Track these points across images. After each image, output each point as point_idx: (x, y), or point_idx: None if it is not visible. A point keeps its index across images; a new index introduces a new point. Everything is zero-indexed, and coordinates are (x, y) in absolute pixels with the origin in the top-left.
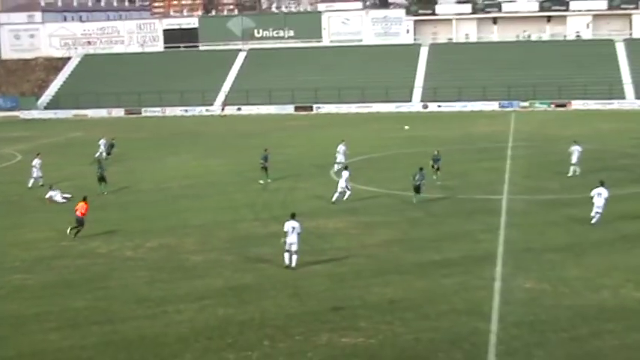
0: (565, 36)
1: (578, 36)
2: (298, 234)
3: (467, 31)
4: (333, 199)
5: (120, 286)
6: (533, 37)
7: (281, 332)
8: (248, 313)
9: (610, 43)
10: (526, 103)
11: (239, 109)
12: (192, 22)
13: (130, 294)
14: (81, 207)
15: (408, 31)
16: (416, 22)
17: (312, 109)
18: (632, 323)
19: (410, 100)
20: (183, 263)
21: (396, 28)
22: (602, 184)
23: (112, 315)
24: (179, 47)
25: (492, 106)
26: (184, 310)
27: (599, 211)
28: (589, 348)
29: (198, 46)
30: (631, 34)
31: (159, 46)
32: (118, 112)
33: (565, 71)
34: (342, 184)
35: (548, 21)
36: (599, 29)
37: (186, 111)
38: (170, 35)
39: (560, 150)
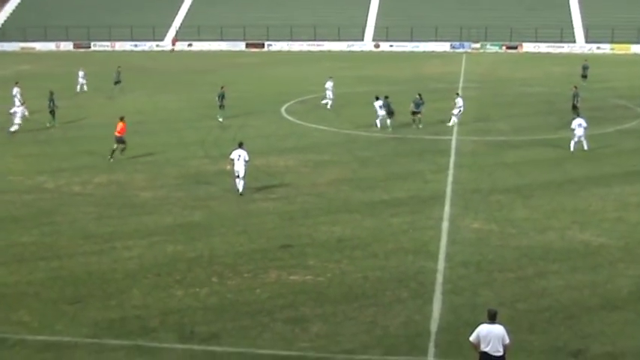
0: None
1: None
2: (245, 161)
3: None
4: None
5: (67, 221)
6: None
7: (230, 269)
8: (197, 251)
9: None
10: (477, 45)
11: (190, 45)
12: None
13: (77, 230)
14: (119, 126)
15: None
16: None
17: (263, 47)
18: (576, 264)
19: (362, 40)
20: (132, 200)
21: None
22: (578, 115)
23: (59, 250)
24: None
25: (444, 47)
26: (133, 247)
27: (582, 138)
28: (534, 288)
29: None
30: None
31: None
32: (67, 46)
33: (517, 14)
34: (380, 112)
35: None
36: None
37: (135, 46)
38: None
39: (511, 92)
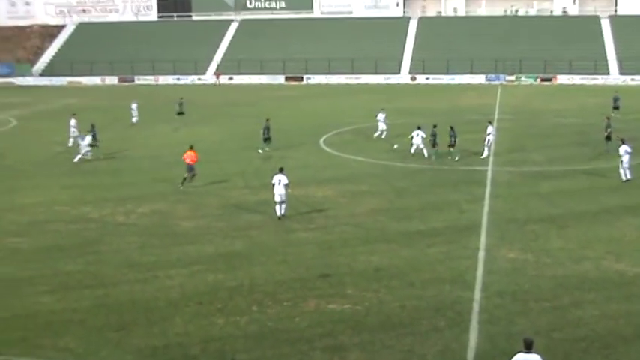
0: (551, 11)
1: (564, 12)
2: (285, 185)
3: (455, 5)
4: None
5: (111, 250)
6: (521, 12)
7: (269, 298)
8: (237, 279)
9: (595, 20)
10: (512, 77)
11: (231, 78)
12: None
13: (121, 258)
14: (189, 155)
15: (397, 4)
16: None
17: (302, 80)
18: (612, 294)
19: (398, 72)
20: (174, 229)
21: (385, 0)
22: (623, 142)
23: (104, 279)
24: (173, 17)
25: (479, 79)
26: (175, 275)
27: (627, 166)
28: (570, 317)
29: (191, 16)
30: (616, 11)
31: (152, 15)
32: (112, 80)
33: (551, 46)
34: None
35: None
36: (584, 5)
37: (178, 79)
38: (164, 4)
39: (546, 123)
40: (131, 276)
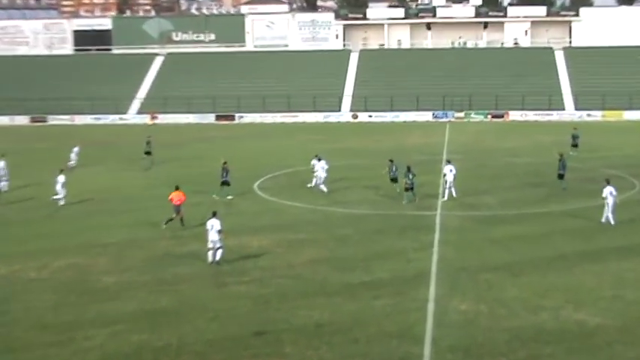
0: (502, 43)
1: (516, 43)
2: (218, 231)
3: (399, 37)
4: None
5: (22, 310)
6: (469, 44)
7: (200, 359)
8: (164, 339)
9: (549, 52)
10: (461, 114)
11: (155, 117)
12: (104, 23)
13: (33, 319)
14: (176, 195)
15: (337, 36)
16: (346, 26)
17: (234, 119)
18: (572, 346)
19: (339, 110)
20: (94, 285)
21: (324, 32)
22: (608, 183)
23: (14, 342)
24: (90, 50)
25: (426, 116)
26: (94, 336)
27: (612, 209)
28: None
29: (111, 49)
30: (570, 42)
31: (68, 48)
32: (22, 120)
33: (502, 80)
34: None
35: (485, 27)
36: (537, 36)
37: (97, 119)
38: (80, 37)
39: (498, 163)
40: (45, 338)
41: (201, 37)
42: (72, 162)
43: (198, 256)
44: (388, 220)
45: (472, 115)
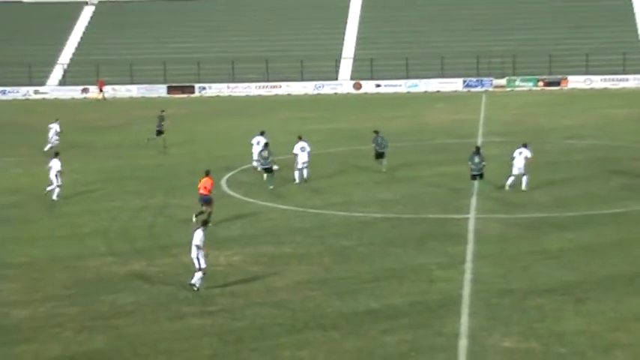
0: None
1: None
2: (196, 246)
3: None
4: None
5: None
6: None
7: None
8: None
9: None
10: (502, 81)
11: (85, 90)
12: None
13: None
14: (205, 183)
15: None
16: None
17: (193, 91)
18: None
19: (336, 78)
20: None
21: None
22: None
23: None
24: None
25: (455, 84)
26: None
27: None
28: None
29: None
30: None
31: None
32: None
33: (558, 34)
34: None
35: None
36: None
37: (4, 93)
38: None
39: (553, 148)
40: None
41: None
42: (53, 142)
43: (145, 278)
44: (403, 227)
45: (517, 83)
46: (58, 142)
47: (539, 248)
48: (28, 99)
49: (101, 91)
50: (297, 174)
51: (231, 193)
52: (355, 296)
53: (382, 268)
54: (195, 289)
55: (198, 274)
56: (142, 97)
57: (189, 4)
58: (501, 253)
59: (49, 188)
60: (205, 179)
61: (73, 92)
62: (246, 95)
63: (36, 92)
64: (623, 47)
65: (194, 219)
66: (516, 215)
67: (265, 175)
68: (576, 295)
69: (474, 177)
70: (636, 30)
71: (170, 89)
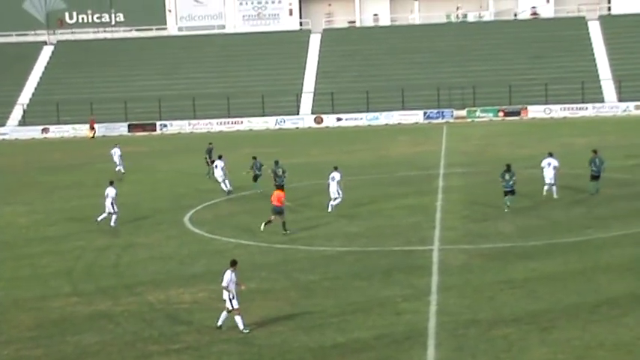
0: (516, 14)
1: (534, 13)
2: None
3: (376, 10)
4: (329, 209)
5: None
6: (471, 17)
7: None
8: None
9: (580, 22)
10: (463, 112)
11: (45, 130)
12: None
13: None
14: (278, 195)
15: (291, 12)
16: None
17: (154, 129)
18: None
19: (297, 112)
20: None
21: (273, 7)
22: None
23: None
24: None
25: (416, 117)
26: None
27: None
28: None
29: None
30: (609, 9)
31: None
32: None
33: (517, 64)
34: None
35: None
36: (563, 3)
37: None
38: None
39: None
40: None
41: (105, 18)
42: (120, 167)
43: (109, 317)
44: (368, 260)
45: (478, 114)
46: (122, 167)
47: (504, 278)
48: None
49: (92, 128)
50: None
51: (195, 230)
52: (322, 330)
53: (348, 302)
54: (218, 326)
55: (224, 315)
56: (103, 136)
57: (149, 42)
58: (466, 283)
59: (100, 218)
60: (277, 192)
61: (33, 132)
62: (208, 132)
63: None
64: (581, 76)
65: (262, 228)
66: (480, 245)
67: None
68: (542, 324)
69: (505, 193)
70: (594, 59)
71: (131, 127)
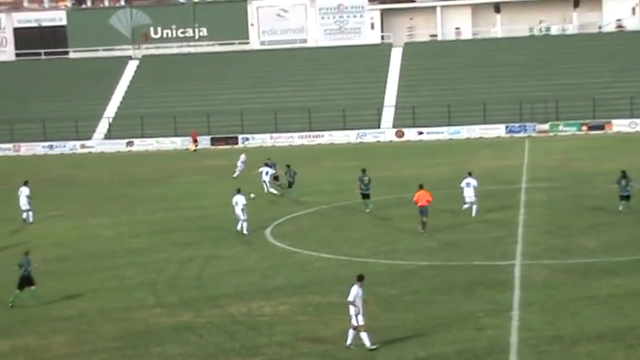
0: (600, 27)
1: (619, 26)
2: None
3: (458, 24)
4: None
5: None
6: (554, 30)
7: None
8: None
9: None
10: (545, 126)
11: (130, 143)
12: (57, 17)
13: None
14: (425, 195)
15: (372, 26)
16: (384, 12)
17: (236, 142)
18: None
19: (378, 126)
20: None
21: (355, 21)
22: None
23: None
24: (39, 54)
25: (497, 130)
26: None
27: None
28: None
29: (67, 53)
30: None
31: (8, 52)
32: None
33: (602, 78)
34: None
35: (576, 6)
36: None
37: (51, 147)
38: (24, 37)
39: (599, 192)
40: None
41: (189, 32)
42: (238, 171)
43: (193, 329)
44: (449, 274)
45: (560, 128)
46: (241, 171)
47: (588, 294)
48: (74, 153)
49: (195, 141)
50: (465, 207)
51: (277, 243)
52: (402, 345)
53: (429, 317)
54: (353, 347)
55: (352, 333)
56: (186, 150)
57: (232, 55)
58: (549, 299)
59: (238, 228)
60: (423, 192)
61: (118, 146)
62: (289, 145)
63: (82, 146)
64: None
65: (421, 229)
66: (563, 261)
67: (364, 201)
68: (627, 341)
69: (621, 198)
70: None
71: (214, 140)
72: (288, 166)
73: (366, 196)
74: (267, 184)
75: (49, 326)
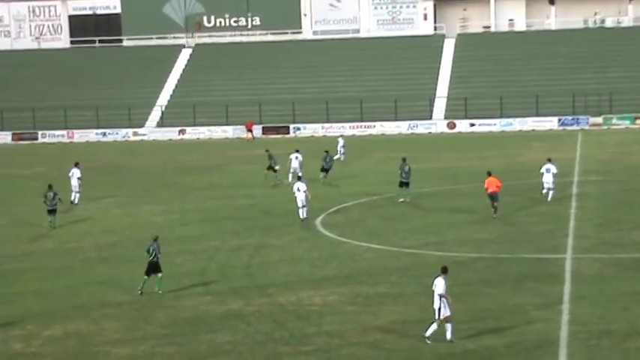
0: None
1: None
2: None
3: (511, 15)
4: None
5: None
6: (609, 23)
7: None
8: None
9: None
10: (599, 119)
11: (182, 131)
12: (111, 5)
13: None
14: (495, 181)
15: (425, 17)
16: (437, 3)
17: (288, 131)
18: None
19: (430, 117)
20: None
21: (408, 12)
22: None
23: None
24: (94, 42)
25: (550, 123)
26: None
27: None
28: None
29: (121, 41)
30: None
31: (62, 40)
32: (3, 138)
33: None
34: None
35: None
36: None
37: (104, 134)
38: (80, 24)
39: None
40: None
41: (242, 21)
42: (339, 155)
43: (241, 318)
44: (499, 267)
45: (614, 121)
46: (343, 155)
47: (639, 289)
48: (127, 140)
49: (250, 131)
50: (544, 192)
51: (326, 232)
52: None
53: (478, 309)
54: (429, 341)
55: (434, 326)
56: (238, 138)
57: (284, 45)
58: (600, 293)
59: (302, 216)
60: (492, 178)
61: (171, 133)
62: (341, 135)
63: (135, 134)
64: None
65: (494, 214)
66: (614, 255)
67: (400, 190)
68: None
69: None
70: None
71: (265, 130)
72: (327, 152)
73: (405, 184)
74: (295, 170)
75: (101, 312)
